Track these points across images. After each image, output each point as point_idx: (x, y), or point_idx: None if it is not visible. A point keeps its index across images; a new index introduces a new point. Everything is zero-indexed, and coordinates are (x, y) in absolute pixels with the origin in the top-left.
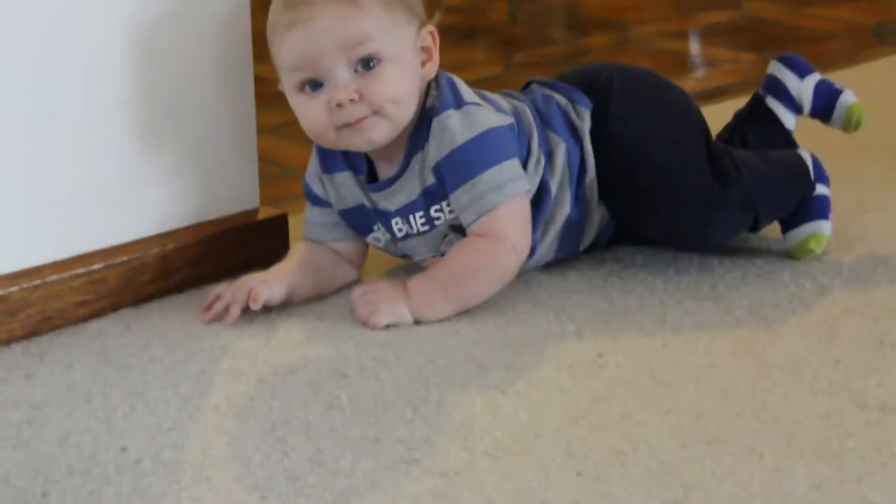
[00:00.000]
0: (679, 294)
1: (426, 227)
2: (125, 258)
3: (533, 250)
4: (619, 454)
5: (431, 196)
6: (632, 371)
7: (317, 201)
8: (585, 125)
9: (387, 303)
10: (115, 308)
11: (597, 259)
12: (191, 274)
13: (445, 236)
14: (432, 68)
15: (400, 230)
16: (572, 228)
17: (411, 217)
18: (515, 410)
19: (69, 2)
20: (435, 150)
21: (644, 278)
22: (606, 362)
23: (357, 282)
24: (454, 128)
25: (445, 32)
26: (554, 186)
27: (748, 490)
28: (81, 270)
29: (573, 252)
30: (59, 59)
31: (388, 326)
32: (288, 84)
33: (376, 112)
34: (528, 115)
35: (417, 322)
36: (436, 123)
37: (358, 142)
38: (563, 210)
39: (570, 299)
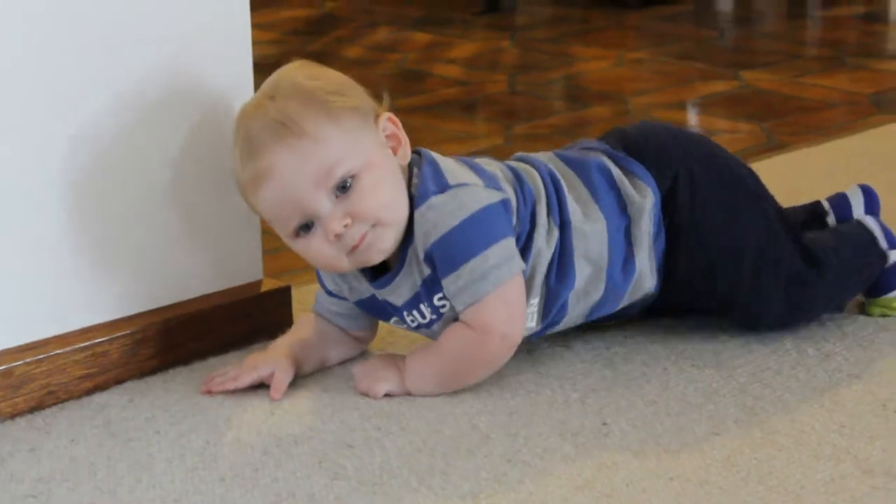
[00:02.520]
0: (682, 362)
1: (434, 317)
2: (128, 331)
3: (561, 317)
4: None
5: (432, 286)
6: (636, 439)
7: (331, 293)
8: (647, 202)
9: (385, 371)
10: (119, 381)
11: (600, 328)
12: (194, 347)
13: (455, 320)
14: (405, 152)
15: (413, 320)
16: (609, 302)
17: (420, 307)
18: (521, 479)
19: (72, 69)
20: (421, 241)
21: (647, 346)
22: (611, 430)
23: (363, 354)
24: (435, 217)
25: (445, 105)
26: (585, 265)
27: None
28: (84, 344)
29: (604, 316)
30: (59, 131)
31: (387, 395)
32: (282, 234)
33: (375, 224)
34: (538, 181)
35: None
36: (417, 215)
37: (371, 257)
38: (598, 290)
39: (573, 368)
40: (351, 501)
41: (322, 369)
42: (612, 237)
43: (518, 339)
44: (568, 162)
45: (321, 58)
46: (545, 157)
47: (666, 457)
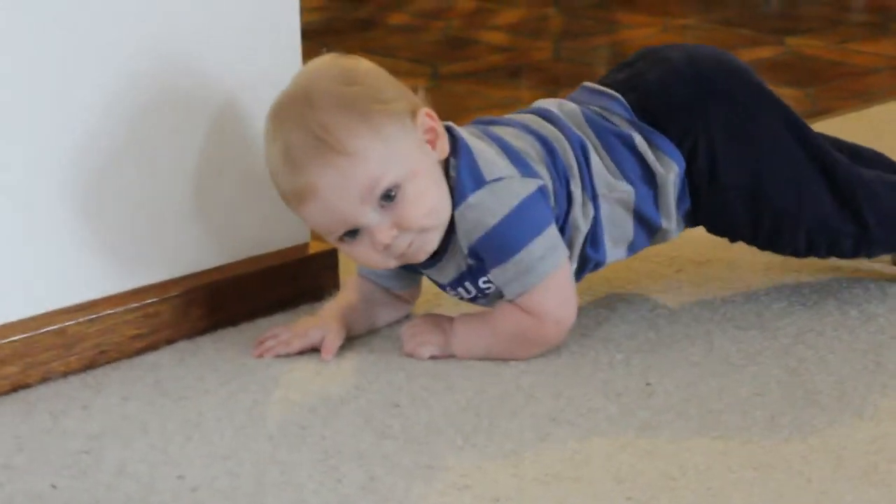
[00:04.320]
0: (725, 323)
1: (480, 295)
2: (178, 292)
3: (600, 264)
4: (668, 479)
5: (477, 271)
6: (679, 399)
7: None
8: (671, 175)
9: (431, 335)
10: (170, 341)
11: (643, 290)
12: (243, 308)
13: (502, 296)
14: (443, 145)
15: (456, 294)
16: (635, 249)
17: (465, 285)
18: (565, 438)
19: (128, 37)
20: (464, 238)
21: (690, 308)
22: (654, 391)
23: (409, 316)
24: (476, 217)
25: (491, 72)
26: (613, 231)
27: None
28: (136, 304)
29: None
30: (104, 94)
31: (432, 357)
32: (327, 239)
33: (420, 231)
34: (569, 154)
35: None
36: (457, 215)
37: (418, 258)
38: (624, 244)
39: (617, 329)
40: (398, 459)
41: (369, 332)
42: (641, 204)
43: (571, 322)
44: (593, 126)
45: (366, 25)
46: (572, 114)
47: (709, 417)
